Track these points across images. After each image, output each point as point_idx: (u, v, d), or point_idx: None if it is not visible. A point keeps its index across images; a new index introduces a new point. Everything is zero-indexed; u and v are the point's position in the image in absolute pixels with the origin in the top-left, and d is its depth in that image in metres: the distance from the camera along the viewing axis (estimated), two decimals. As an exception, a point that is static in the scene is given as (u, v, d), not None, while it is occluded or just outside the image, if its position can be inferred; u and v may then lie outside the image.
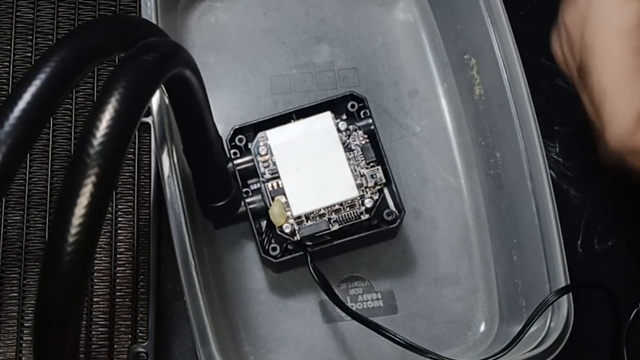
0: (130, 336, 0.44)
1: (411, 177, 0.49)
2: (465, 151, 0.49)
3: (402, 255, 0.47)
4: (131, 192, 0.46)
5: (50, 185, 0.46)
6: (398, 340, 0.40)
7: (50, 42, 0.48)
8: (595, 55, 0.38)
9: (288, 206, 0.43)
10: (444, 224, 0.48)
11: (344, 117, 0.46)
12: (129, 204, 0.46)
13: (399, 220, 0.45)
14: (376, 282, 0.47)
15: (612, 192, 0.51)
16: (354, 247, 0.46)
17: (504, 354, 0.40)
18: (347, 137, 0.45)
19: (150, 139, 0.47)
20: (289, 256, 0.44)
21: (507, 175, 0.46)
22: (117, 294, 0.44)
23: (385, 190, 0.45)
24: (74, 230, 0.25)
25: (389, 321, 0.45)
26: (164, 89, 0.37)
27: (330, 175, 0.44)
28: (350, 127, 0.46)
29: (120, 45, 0.30)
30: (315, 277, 0.42)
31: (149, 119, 0.46)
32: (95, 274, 0.44)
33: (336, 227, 0.44)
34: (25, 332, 0.43)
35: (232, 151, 0.45)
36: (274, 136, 0.45)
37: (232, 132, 0.46)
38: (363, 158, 0.45)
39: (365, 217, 0.44)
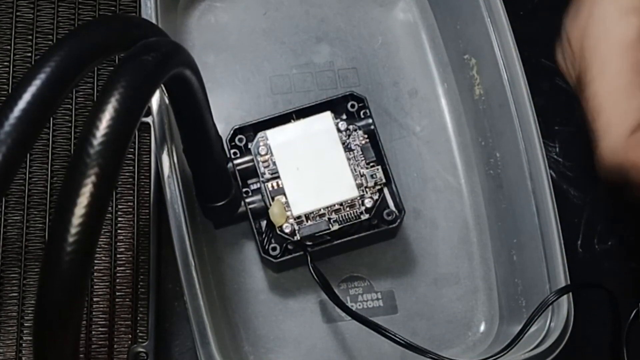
0: (130, 336, 0.44)
1: (411, 177, 0.49)
2: (465, 151, 0.49)
3: (402, 255, 0.47)
4: (131, 192, 0.46)
5: (50, 185, 0.46)
6: (398, 340, 0.40)
7: (50, 42, 0.48)
8: (593, 68, 0.38)
9: (288, 206, 0.43)
10: (444, 224, 0.48)
11: (344, 117, 0.46)
12: (129, 204, 0.46)
13: (399, 220, 0.45)
14: (376, 282, 0.47)
15: (612, 192, 0.51)
16: (354, 247, 0.46)
17: (504, 354, 0.40)
18: (347, 137, 0.45)
19: (150, 139, 0.47)
20: (289, 256, 0.44)
21: (507, 175, 0.46)
22: (117, 294, 0.44)
23: (385, 190, 0.45)
24: (74, 230, 0.25)
25: (389, 321, 0.45)
26: (164, 88, 0.37)
27: (330, 175, 0.44)
28: (350, 127, 0.45)
29: (120, 45, 0.30)
30: (315, 277, 0.42)
31: (149, 119, 0.46)
32: (95, 274, 0.44)
33: (336, 227, 0.44)
34: (25, 332, 0.43)
35: (232, 151, 0.45)
36: (274, 136, 0.45)
37: (232, 132, 0.46)
38: (363, 158, 0.45)
39: (365, 217, 0.44)
